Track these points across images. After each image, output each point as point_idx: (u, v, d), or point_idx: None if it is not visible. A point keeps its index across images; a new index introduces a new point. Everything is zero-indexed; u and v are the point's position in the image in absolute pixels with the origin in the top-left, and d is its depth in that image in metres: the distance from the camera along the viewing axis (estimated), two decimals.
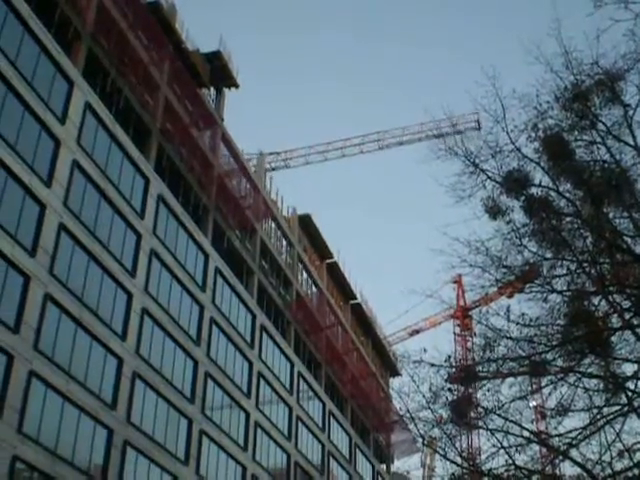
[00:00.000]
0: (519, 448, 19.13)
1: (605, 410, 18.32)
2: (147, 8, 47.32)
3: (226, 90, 59.20)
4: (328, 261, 77.04)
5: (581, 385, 18.38)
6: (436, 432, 20.61)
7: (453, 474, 20.70)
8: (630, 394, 17.87)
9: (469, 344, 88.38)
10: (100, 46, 43.01)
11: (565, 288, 18.18)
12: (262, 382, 56.59)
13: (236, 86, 58.76)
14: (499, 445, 19.04)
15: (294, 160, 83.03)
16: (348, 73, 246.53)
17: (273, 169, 79.27)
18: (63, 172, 37.57)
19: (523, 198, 18.46)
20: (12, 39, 35.38)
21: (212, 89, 58.23)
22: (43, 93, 36.95)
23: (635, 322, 17.58)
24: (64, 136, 37.94)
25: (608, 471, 18.23)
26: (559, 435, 18.85)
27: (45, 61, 37.52)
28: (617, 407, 18.22)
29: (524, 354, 18.41)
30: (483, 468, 20.05)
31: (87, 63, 41.66)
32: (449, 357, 19.81)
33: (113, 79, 43.63)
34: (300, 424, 62.24)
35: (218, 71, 56.28)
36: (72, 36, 40.84)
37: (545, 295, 18.22)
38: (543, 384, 19.16)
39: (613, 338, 18.02)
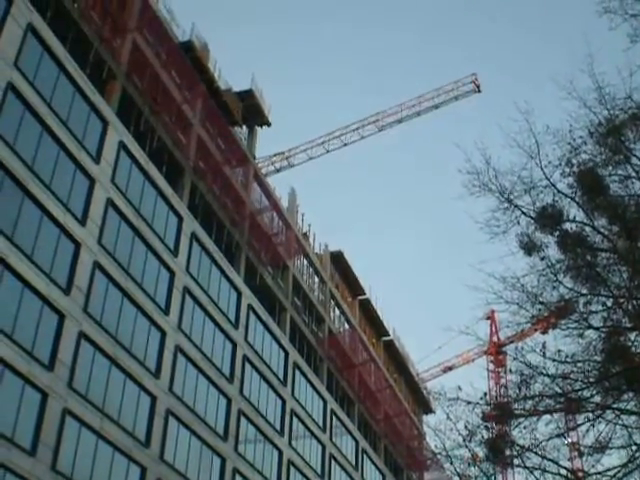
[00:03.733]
0: None
1: None
2: (180, 47, 47.90)
3: (258, 128, 59.74)
4: (360, 298, 76.89)
5: (619, 422, 18.16)
6: (473, 470, 20.46)
7: None
8: None
9: (503, 380, 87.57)
10: (134, 86, 43.52)
11: (601, 324, 18.02)
12: (295, 420, 56.35)
13: (268, 124, 59.29)
14: None
15: (297, 157, 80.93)
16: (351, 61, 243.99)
17: (278, 170, 78.05)
18: (97, 211, 37.90)
19: (558, 234, 18.36)
20: (47, 79, 35.86)
21: (244, 127, 58.73)
22: (78, 132, 37.36)
23: None
24: (98, 175, 38.31)
25: None
26: (597, 473, 18.63)
27: (80, 101, 37.98)
28: None
29: (560, 391, 18.25)
30: None
31: (121, 103, 42.15)
32: (485, 394, 19.70)
33: (147, 118, 44.10)
34: (333, 462, 61.80)
35: (250, 109, 56.89)
36: (106, 76, 41.39)
37: (581, 331, 18.10)
38: (580, 421, 18.95)
39: None
